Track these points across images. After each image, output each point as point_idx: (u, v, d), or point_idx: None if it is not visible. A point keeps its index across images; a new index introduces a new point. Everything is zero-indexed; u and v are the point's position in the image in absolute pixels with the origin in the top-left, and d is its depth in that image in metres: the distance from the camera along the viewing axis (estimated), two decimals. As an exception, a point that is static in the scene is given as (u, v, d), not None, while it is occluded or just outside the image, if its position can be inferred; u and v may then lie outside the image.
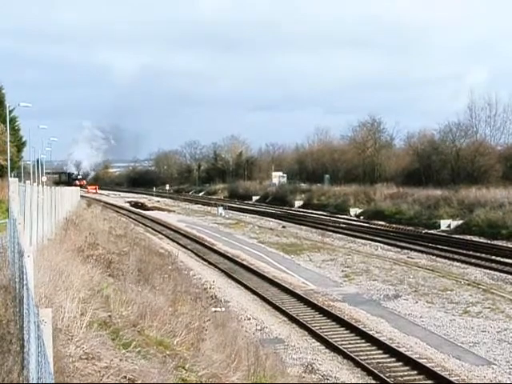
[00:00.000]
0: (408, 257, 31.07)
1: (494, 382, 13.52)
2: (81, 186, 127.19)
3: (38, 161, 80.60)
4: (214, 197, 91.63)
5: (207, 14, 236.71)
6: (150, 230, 45.70)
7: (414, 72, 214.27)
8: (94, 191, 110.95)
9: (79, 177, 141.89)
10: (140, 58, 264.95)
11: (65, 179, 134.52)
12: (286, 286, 23.19)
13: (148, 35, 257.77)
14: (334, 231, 42.79)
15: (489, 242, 36.20)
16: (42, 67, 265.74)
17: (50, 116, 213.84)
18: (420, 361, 14.29)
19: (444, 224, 43.74)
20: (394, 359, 14.66)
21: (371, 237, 38.87)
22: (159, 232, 44.05)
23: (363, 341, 16.14)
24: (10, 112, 56.09)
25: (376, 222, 49.85)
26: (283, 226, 47.67)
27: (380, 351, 15.27)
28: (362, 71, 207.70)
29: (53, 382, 4.02)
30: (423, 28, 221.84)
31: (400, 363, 14.39)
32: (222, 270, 27.13)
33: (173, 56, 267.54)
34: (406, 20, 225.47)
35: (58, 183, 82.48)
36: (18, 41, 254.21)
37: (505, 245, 34.51)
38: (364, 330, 16.98)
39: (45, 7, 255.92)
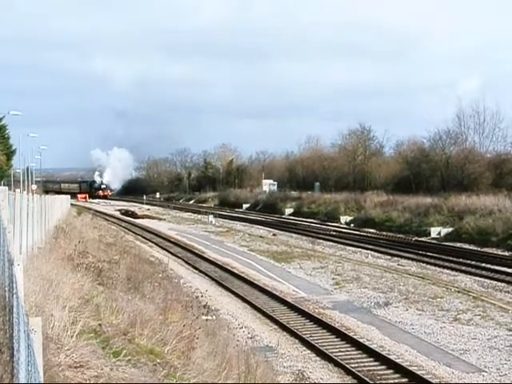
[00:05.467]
0: (398, 264, 31.11)
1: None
2: (105, 196, 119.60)
3: (27, 169, 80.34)
4: (205, 205, 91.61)
5: (205, 24, 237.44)
6: (140, 238, 45.58)
7: (406, 80, 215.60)
8: (84, 200, 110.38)
9: (103, 186, 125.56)
10: (136, 67, 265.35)
11: (85, 189, 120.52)
12: (277, 293, 23.17)
13: (145, 43, 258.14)
14: (324, 239, 42.79)
15: (479, 249, 36.30)
16: (38, 75, 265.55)
17: (46, 124, 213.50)
18: (410, 368, 14.30)
19: (434, 231, 43.84)
20: (384, 367, 14.65)
21: (362, 244, 38.91)
22: (149, 240, 43.94)
23: (354, 348, 16.13)
24: (0, 120, 56.00)
25: (366, 229, 49.90)
26: (274, 234, 47.65)
27: (371, 359, 15.27)
28: (356, 79, 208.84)
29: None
30: (418, 36, 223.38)
31: (390, 371, 14.39)
32: (213, 278, 27.07)
33: (169, 64, 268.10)
34: (401, 28, 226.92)
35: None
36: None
37: (495, 252, 34.64)
38: (355, 337, 16.98)
39: (42, 14, 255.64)
